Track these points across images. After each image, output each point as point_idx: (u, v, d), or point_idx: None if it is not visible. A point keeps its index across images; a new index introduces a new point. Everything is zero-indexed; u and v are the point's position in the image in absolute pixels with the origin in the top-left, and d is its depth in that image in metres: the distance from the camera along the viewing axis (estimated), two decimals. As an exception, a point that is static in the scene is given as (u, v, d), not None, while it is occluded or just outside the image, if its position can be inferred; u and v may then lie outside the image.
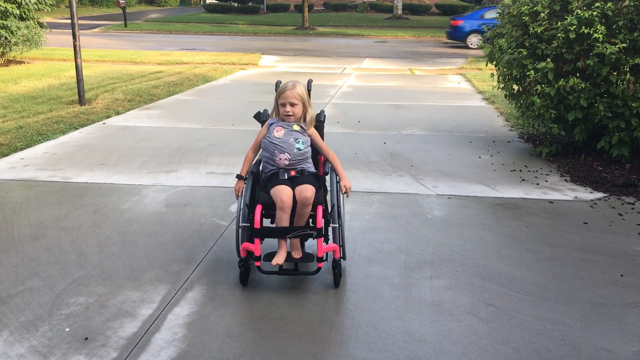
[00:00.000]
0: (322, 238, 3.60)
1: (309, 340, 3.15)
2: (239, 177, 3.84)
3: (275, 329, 3.25)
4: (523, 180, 6.05)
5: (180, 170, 6.32)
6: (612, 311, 3.46)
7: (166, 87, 11.95)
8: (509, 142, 7.76)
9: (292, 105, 3.77)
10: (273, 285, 3.76)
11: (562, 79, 6.21)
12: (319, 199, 3.65)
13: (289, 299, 3.59)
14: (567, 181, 6.01)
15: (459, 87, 12.93)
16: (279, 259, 3.57)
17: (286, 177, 3.70)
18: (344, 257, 3.88)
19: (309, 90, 4.03)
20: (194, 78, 13.39)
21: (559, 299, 3.60)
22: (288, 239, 3.66)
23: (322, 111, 4.15)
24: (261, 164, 3.93)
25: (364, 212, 5.11)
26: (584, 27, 6.08)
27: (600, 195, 5.57)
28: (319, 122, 4.05)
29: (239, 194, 3.79)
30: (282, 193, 3.57)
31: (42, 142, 7.46)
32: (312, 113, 3.87)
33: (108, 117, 9.14)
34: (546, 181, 6.01)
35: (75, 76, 10.18)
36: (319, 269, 3.61)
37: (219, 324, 3.31)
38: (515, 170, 6.41)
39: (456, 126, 8.74)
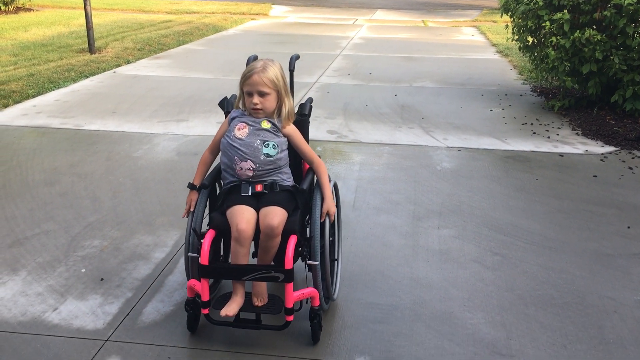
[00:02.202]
0: (292, 283, 2.58)
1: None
2: (190, 186, 2.88)
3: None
4: (534, 133, 6.03)
5: (191, 119, 6.34)
6: (617, 262, 3.51)
7: (176, 37, 11.84)
8: (521, 95, 7.69)
9: (261, 94, 2.73)
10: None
11: (578, 31, 6.10)
12: (292, 226, 2.66)
13: (299, 245, 3.65)
14: (578, 135, 5.98)
15: (473, 40, 12.72)
16: (231, 308, 2.59)
17: (249, 194, 2.71)
18: (329, 298, 2.90)
19: (291, 71, 3.06)
20: (203, 28, 13.24)
21: (565, 250, 3.64)
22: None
23: (309, 100, 3.07)
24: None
25: (373, 162, 5.13)
26: (602, -24, 5.94)
27: (611, 149, 5.55)
28: (303, 116, 3.00)
29: (190, 209, 2.82)
30: (240, 217, 2.59)
31: (54, 89, 7.48)
32: (290, 105, 2.83)
33: (118, 65, 9.11)
34: (557, 135, 5.98)
35: (84, 24, 10.10)
36: (287, 323, 2.62)
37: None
38: (526, 123, 6.38)
39: (468, 79, 8.65)
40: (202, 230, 2.75)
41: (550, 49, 6.37)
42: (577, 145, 5.64)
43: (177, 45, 11.09)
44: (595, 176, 4.86)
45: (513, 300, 3.11)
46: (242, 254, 2.61)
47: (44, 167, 4.86)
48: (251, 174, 2.73)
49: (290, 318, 2.62)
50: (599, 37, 5.99)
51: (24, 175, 4.70)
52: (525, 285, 3.25)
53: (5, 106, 6.68)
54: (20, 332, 2.78)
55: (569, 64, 6.34)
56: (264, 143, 2.74)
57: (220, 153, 2.88)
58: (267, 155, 2.73)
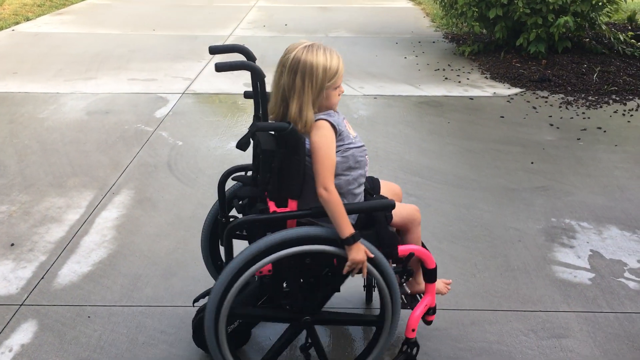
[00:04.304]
0: None
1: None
2: (354, 238, 1.97)
3: (205, 227, 3.31)
4: (446, 78, 6.20)
5: (100, 77, 6.08)
6: (521, 195, 3.72)
7: (79, -9, 11.19)
8: (433, 42, 7.85)
9: None
10: (204, 187, 3.79)
11: (484, -24, 6.25)
12: None
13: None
14: (487, 78, 6.21)
15: (387, -11, 12.76)
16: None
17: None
18: None
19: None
20: (109, -19, 12.56)
21: (475, 187, 3.83)
22: None
23: None
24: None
25: (291, 113, 5.14)
26: None
27: (517, 90, 5.81)
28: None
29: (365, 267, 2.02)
30: (410, 205, 2.32)
31: (-55, 51, 6.94)
32: None
33: (17, 23, 8.54)
34: (468, 79, 6.18)
35: (-25, -21, 9.35)
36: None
37: (149, 225, 3.34)
38: (439, 69, 6.54)
39: (383, 28, 8.72)
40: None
41: (459, -6, 6.51)
42: (485, 89, 5.87)
43: (80, 0, 10.49)
44: (502, 117, 5.09)
45: (427, 237, 3.24)
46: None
47: (-60, 134, 4.55)
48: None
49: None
50: (503, -19, 6.17)
51: None
52: (438, 222, 3.40)
53: None
54: None
55: (476, 9, 6.52)
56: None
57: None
58: None
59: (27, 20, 8.76)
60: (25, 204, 3.54)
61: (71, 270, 2.90)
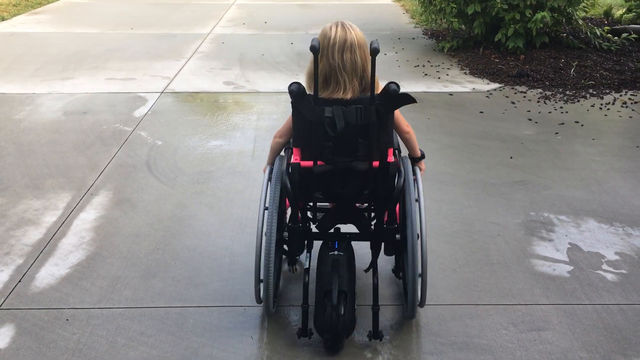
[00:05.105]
0: None
1: (219, 236, 3.23)
2: (423, 154, 2.75)
3: (184, 227, 3.30)
4: (426, 75, 6.22)
5: (77, 77, 6.00)
6: (501, 190, 3.75)
7: (55, -10, 11.04)
8: (413, 38, 7.87)
9: None
10: (183, 187, 3.77)
11: (462, -28, 6.28)
12: None
13: (198, 197, 3.62)
14: (466, 74, 6.24)
15: (366, -15, 12.78)
16: None
17: None
18: None
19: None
20: (86, -21, 12.42)
21: (455, 182, 3.85)
22: None
23: None
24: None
25: (271, 111, 5.12)
26: None
27: (496, 85, 5.85)
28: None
29: None
30: None
31: None
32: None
33: (-8, 23, 8.42)
34: (447, 75, 6.21)
35: (-52, -22, 9.20)
36: None
37: (128, 225, 3.31)
38: (418, 65, 6.56)
39: (363, 24, 8.65)
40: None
41: (437, -10, 6.53)
42: (465, 84, 5.90)
43: (57, -1, 10.37)
44: (482, 112, 5.12)
45: (407, 233, 3.25)
46: None
47: None
48: None
49: None
50: (481, -23, 6.21)
51: None
52: (419, 218, 3.40)
53: None
54: None
55: (455, 6, 6.54)
56: None
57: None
58: None
59: (3, 20, 8.63)
60: (1, 206, 3.48)
61: (49, 273, 2.86)
